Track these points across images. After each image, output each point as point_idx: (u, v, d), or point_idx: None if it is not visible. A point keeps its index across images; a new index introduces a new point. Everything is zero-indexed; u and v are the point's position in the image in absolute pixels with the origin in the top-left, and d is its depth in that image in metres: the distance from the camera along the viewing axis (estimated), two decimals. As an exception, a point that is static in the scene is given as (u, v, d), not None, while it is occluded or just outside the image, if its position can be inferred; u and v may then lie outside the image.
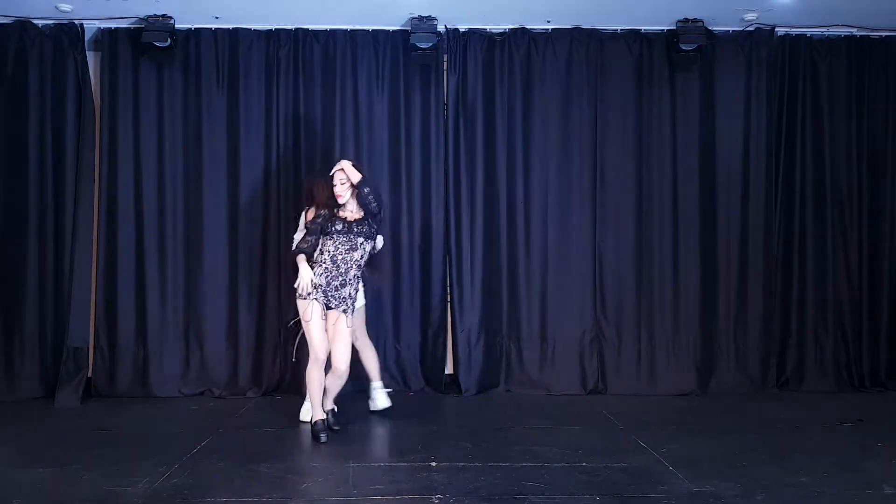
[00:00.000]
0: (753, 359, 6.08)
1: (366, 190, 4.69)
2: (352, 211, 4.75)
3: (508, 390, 6.01)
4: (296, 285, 4.63)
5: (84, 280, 5.74)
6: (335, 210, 4.73)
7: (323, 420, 4.67)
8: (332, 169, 4.84)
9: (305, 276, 4.56)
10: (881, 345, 6.17)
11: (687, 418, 5.20)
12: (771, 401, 5.77)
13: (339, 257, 4.63)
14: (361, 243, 4.69)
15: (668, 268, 6.10)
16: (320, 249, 4.69)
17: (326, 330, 4.60)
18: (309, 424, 4.77)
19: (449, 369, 6.08)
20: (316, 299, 4.56)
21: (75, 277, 5.70)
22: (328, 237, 4.68)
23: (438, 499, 3.52)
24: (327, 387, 4.72)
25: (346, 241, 4.66)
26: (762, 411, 5.41)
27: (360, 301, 5.12)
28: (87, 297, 5.79)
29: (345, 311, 4.63)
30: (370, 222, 4.76)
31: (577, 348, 6.05)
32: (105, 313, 5.90)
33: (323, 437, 4.57)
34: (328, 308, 4.63)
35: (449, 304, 6.05)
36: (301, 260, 4.61)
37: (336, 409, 4.89)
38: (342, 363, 4.61)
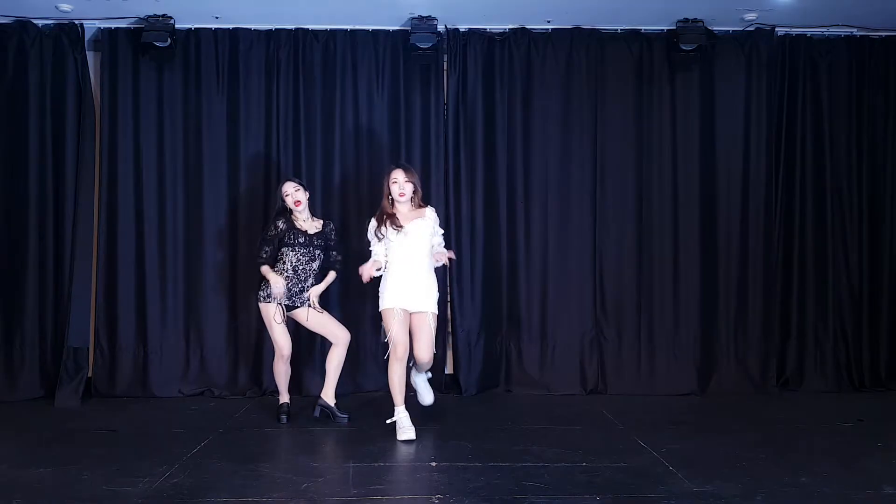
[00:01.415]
0: (753, 359, 6.07)
1: (330, 226, 5.20)
2: (305, 220, 5.14)
3: (508, 390, 6.01)
4: (269, 293, 4.98)
5: (84, 280, 5.74)
6: (294, 224, 5.08)
7: (287, 404, 5.19)
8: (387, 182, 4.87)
9: (279, 284, 4.95)
10: (881, 345, 6.17)
11: (687, 418, 5.20)
12: (771, 401, 5.77)
13: (301, 267, 5.06)
14: (319, 254, 5.12)
15: (668, 268, 6.10)
16: (282, 259, 5.06)
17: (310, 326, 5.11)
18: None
19: (449, 369, 6.08)
20: (279, 303, 5.00)
21: (75, 277, 5.70)
22: (290, 248, 5.05)
23: (438, 499, 3.52)
24: (330, 370, 5.04)
25: (307, 253, 5.07)
26: (762, 411, 5.41)
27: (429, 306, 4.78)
28: (87, 297, 5.79)
29: (309, 305, 5.05)
30: (325, 237, 5.17)
31: (577, 348, 6.05)
32: (105, 313, 5.90)
33: (283, 419, 5.07)
34: (292, 308, 5.06)
35: (449, 303, 6.04)
36: (267, 271, 5.00)
37: (337, 403, 5.08)
38: (343, 337, 5.07)
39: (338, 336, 5.09)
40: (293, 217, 5.09)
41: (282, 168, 5.97)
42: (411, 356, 4.77)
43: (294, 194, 5.06)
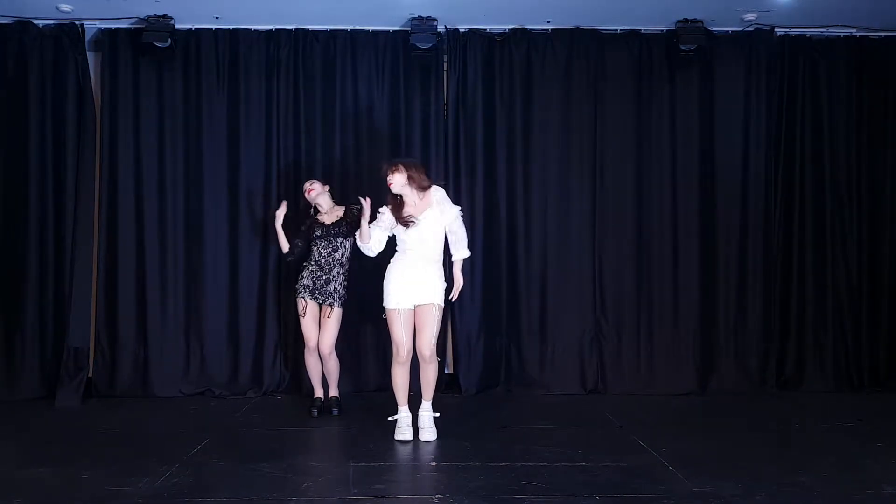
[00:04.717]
0: (753, 358, 6.07)
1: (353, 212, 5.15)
2: (327, 212, 5.29)
3: (508, 390, 6.01)
4: (296, 288, 5.27)
5: (84, 280, 5.74)
6: (315, 217, 5.30)
7: (320, 399, 5.34)
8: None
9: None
10: (881, 345, 6.17)
11: (687, 418, 5.21)
12: (771, 401, 5.77)
13: (323, 260, 5.20)
14: (341, 242, 5.22)
15: (668, 268, 6.10)
16: (310, 254, 5.28)
17: (320, 322, 5.20)
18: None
19: (449, 369, 6.08)
20: (303, 297, 5.20)
21: (76, 277, 5.70)
22: (313, 243, 5.25)
23: (438, 499, 3.52)
24: (327, 372, 5.29)
25: (328, 245, 5.21)
26: (762, 411, 5.42)
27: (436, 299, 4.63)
28: (88, 297, 5.78)
29: (330, 305, 5.16)
30: (346, 221, 5.21)
31: (577, 348, 6.05)
32: (105, 313, 5.90)
33: (314, 413, 5.22)
34: (319, 303, 5.20)
35: (449, 303, 6.04)
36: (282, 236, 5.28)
37: (339, 398, 5.34)
38: (325, 347, 5.18)
39: (324, 343, 5.17)
40: (318, 214, 5.33)
41: (282, 168, 5.98)
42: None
43: (307, 186, 5.34)
